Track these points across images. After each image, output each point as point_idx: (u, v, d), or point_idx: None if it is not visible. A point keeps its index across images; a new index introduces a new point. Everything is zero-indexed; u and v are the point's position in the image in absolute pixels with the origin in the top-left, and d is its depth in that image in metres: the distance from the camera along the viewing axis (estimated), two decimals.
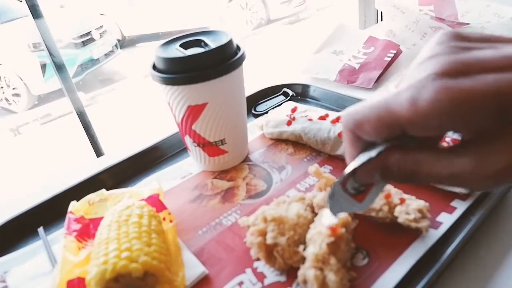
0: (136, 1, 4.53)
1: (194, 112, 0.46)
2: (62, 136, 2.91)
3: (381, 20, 1.22)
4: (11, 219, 0.47)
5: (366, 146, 0.24)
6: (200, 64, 0.44)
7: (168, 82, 0.45)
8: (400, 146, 0.23)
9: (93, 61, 3.74)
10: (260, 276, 0.36)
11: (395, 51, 0.75)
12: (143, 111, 3.01)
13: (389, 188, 0.39)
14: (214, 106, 0.46)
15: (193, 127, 0.47)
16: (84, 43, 3.69)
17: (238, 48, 0.47)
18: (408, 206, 0.36)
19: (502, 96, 0.19)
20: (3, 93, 3.57)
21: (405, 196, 0.38)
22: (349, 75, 0.75)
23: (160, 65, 0.45)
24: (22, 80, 3.53)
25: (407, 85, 0.21)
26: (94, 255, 0.34)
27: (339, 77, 0.75)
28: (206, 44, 0.46)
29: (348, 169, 0.25)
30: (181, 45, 0.47)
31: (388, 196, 0.37)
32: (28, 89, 3.55)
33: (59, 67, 0.95)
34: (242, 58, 0.46)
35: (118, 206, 0.39)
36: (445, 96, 0.19)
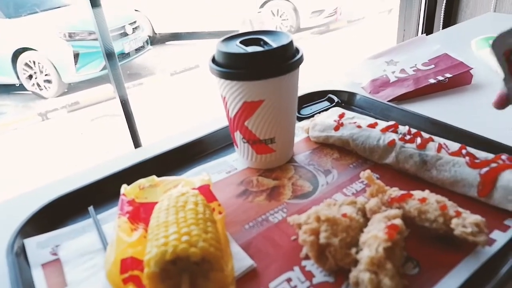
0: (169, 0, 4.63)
1: (249, 108, 0.47)
2: (90, 125, 2.99)
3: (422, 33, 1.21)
4: (61, 197, 0.49)
5: None
6: (261, 62, 0.45)
7: (227, 76, 0.46)
8: None
9: (123, 55, 3.83)
10: (309, 275, 0.36)
11: (450, 76, 0.70)
12: (169, 107, 3.06)
13: (444, 199, 0.38)
14: (270, 104, 0.46)
15: (245, 123, 0.48)
16: (117, 37, 3.78)
17: (297, 50, 0.48)
18: (464, 220, 0.36)
19: None
20: (36, 78, 3.68)
21: (460, 209, 0.37)
22: (378, 86, 0.73)
23: (220, 59, 0.47)
24: (55, 67, 3.63)
25: None
26: (153, 236, 0.34)
27: (369, 85, 0.74)
28: (265, 43, 0.47)
29: None
30: (241, 42, 0.48)
31: (443, 207, 0.37)
32: (60, 77, 3.65)
33: (110, 55, 0.99)
34: (301, 60, 0.47)
35: (174, 192, 0.40)
36: None
